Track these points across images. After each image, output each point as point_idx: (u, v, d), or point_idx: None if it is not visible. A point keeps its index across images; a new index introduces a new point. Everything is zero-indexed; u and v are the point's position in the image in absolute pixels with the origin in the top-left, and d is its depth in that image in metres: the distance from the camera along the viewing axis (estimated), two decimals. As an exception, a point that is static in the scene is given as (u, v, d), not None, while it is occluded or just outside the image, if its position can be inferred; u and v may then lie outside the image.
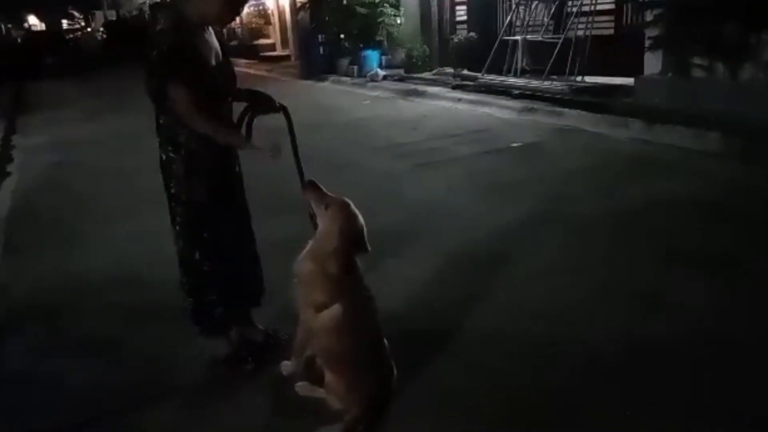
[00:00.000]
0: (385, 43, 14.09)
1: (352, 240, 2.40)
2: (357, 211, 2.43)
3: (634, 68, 8.47)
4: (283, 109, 2.74)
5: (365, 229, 2.43)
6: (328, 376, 2.50)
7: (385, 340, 2.56)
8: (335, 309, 2.40)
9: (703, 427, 2.36)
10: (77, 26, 23.88)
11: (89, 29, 23.79)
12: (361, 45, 13.84)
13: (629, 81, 8.46)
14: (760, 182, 5.17)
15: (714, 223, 4.32)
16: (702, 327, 3.02)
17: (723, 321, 3.07)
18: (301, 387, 2.65)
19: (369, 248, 2.45)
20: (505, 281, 3.66)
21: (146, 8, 23.47)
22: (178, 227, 2.69)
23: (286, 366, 2.72)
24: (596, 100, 8.27)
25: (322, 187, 2.48)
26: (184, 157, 2.57)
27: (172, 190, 2.64)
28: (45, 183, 6.63)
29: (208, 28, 2.60)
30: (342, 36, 14.24)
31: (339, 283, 2.41)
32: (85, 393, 2.79)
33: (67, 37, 22.85)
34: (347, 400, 2.44)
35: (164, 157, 2.62)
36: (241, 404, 2.64)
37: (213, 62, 2.56)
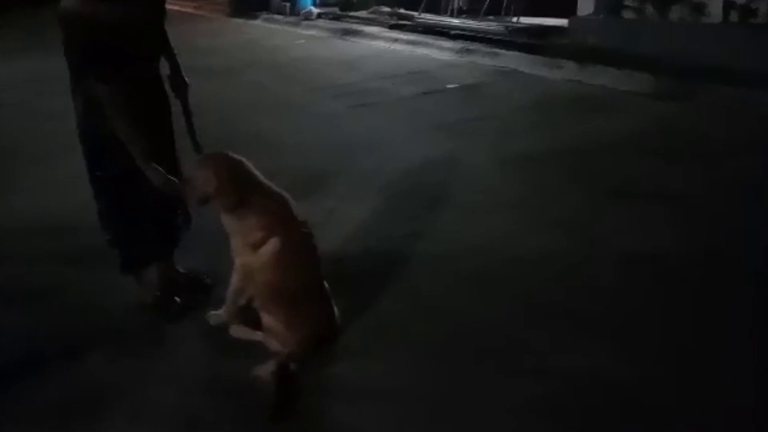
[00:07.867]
0: (320, -21, 13.58)
1: (230, 175, 2.39)
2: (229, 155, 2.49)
3: (568, 9, 8.53)
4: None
5: (245, 163, 2.48)
6: (267, 318, 2.48)
7: (325, 283, 2.56)
8: (273, 243, 2.39)
9: (635, 352, 2.49)
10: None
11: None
12: (295, -19, 13.29)
13: (563, 22, 8.53)
14: (687, 120, 5.36)
15: (644, 159, 4.47)
16: (636, 257, 3.15)
17: (659, 253, 3.19)
18: (235, 330, 2.61)
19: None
20: (444, 217, 3.71)
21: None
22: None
23: (214, 316, 2.66)
24: (532, 41, 8.30)
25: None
26: (82, 90, 2.46)
27: (77, 121, 2.55)
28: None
29: None
30: (274, -30, 13.61)
31: (271, 217, 2.41)
32: (17, 340, 2.69)
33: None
34: (287, 338, 2.42)
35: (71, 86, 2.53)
36: (174, 350, 2.59)
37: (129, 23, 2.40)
